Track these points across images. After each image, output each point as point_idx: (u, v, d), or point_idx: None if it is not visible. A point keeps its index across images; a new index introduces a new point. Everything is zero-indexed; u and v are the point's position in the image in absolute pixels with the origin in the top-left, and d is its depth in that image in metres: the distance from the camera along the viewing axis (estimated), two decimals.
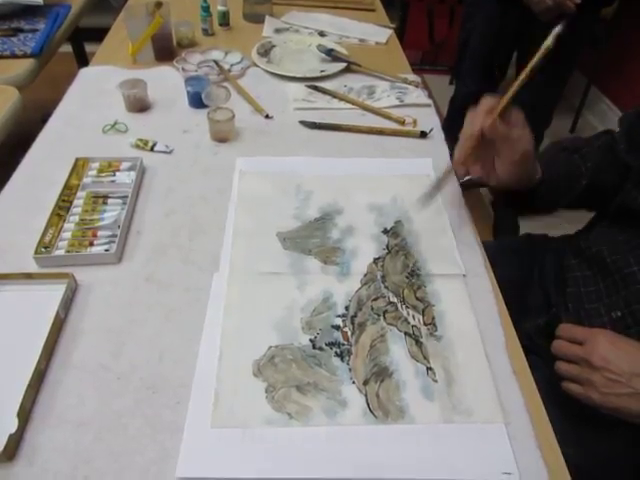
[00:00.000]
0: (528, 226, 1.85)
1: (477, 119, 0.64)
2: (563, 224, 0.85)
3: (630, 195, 0.69)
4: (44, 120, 0.90)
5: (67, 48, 1.76)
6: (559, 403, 0.59)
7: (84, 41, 1.94)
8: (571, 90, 2.16)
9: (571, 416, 0.64)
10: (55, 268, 0.63)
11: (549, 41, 0.61)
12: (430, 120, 0.95)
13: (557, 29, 0.60)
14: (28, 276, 0.61)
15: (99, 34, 1.21)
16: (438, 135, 0.92)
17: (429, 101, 1.00)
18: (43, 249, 0.64)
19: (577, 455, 0.52)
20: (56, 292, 0.59)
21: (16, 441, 0.48)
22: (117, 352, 0.56)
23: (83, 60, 1.93)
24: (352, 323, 0.60)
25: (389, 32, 1.28)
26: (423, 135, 0.90)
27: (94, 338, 0.57)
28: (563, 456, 0.50)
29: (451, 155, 0.88)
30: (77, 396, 0.52)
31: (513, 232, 1.78)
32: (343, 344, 0.58)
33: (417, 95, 1.01)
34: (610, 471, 0.66)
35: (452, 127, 2.08)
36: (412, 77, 1.07)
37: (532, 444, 0.50)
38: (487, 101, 0.66)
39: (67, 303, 0.60)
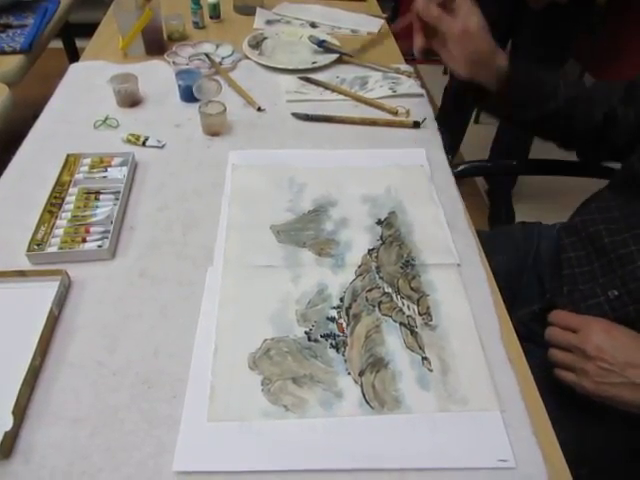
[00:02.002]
0: (523, 214, 1.86)
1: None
2: (558, 211, 0.85)
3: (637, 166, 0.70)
4: (35, 117, 0.90)
5: (58, 44, 1.75)
6: (554, 390, 0.59)
7: (74, 36, 1.92)
8: None
9: (566, 402, 0.64)
10: (48, 265, 0.63)
11: None
12: (423, 110, 0.95)
13: None
14: (21, 273, 0.61)
15: (89, 29, 1.20)
16: (431, 125, 0.91)
17: (422, 91, 1.00)
18: (36, 246, 0.64)
19: (573, 440, 0.53)
20: (49, 289, 0.58)
21: (12, 438, 0.47)
22: (112, 348, 0.56)
23: (74, 56, 1.91)
24: (347, 314, 0.60)
25: (381, 22, 1.27)
26: (416, 125, 0.90)
27: (89, 334, 0.57)
28: (558, 442, 0.51)
29: (445, 146, 0.88)
30: (73, 392, 0.52)
31: (508, 221, 1.78)
32: (338, 335, 0.58)
33: (410, 85, 1.01)
34: (606, 455, 0.67)
35: (446, 117, 2.08)
36: (405, 67, 1.07)
37: (527, 431, 0.51)
38: None
39: (61, 300, 0.59)
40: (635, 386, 0.54)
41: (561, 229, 0.81)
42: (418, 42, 0.76)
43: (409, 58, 1.11)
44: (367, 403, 0.52)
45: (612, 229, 0.70)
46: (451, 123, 1.88)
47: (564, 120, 0.77)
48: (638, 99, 0.74)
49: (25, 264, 0.63)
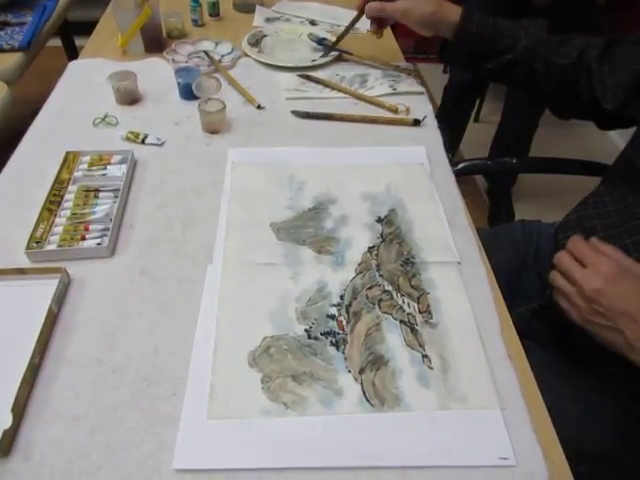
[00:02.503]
0: (523, 213, 1.85)
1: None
2: (558, 210, 0.85)
3: (633, 157, 0.69)
4: (34, 114, 0.89)
5: (57, 42, 1.74)
6: (554, 386, 0.59)
7: (73, 34, 1.91)
8: None
9: (566, 399, 0.64)
10: (47, 263, 0.63)
11: None
12: (423, 108, 0.94)
13: None
14: (20, 271, 0.61)
15: (88, 27, 1.20)
16: (431, 123, 0.91)
17: (422, 89, 1.00)
18: (35, 244, 0.64)
19: (573, 437, 0.53)
20: (49, 287, 0.58)
21: (11, 436, 0.47)
22: (111, 346, 0.56)
23: (73, 54, 1.91)
24: (347, 312, 0.60)
25: None
26: (416, 123, 0.90)
27: (88, 332, 0.57)
28: (558, 439, 0.50)
29: (445, 144, 0.87)
30: (72, 390, 0.52)
31: (508, 219, 1.78)
32: (338, 333, 0.58)
33: (410, 83, 1.01)
34: (606, 452, 0.67)
35: (446, 116, 2.08)
36: (405, 65, 1.07)
37: (528, 429, 0.51)
38: None
39: (60, 298, 0.59)
40: (619, 332, 0.54)
41: (558, 226, 0.81)
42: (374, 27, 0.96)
43: (409, 56, 1.11)
44: (367, 401, 0.52)
45: (607, 224, 0.70)
46: (451, 121, 1.87)
47: (525, 70, 0.80)
48: (614, 56, 0.74)
49: (24, 262, 0.63)
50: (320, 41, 1.10)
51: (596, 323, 0.56)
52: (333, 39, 1.12)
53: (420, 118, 0.90)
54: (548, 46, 0.79)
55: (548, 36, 0.80)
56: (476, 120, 2.32)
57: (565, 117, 0.85)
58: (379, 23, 0.95)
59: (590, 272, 0.57)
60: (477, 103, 2.14)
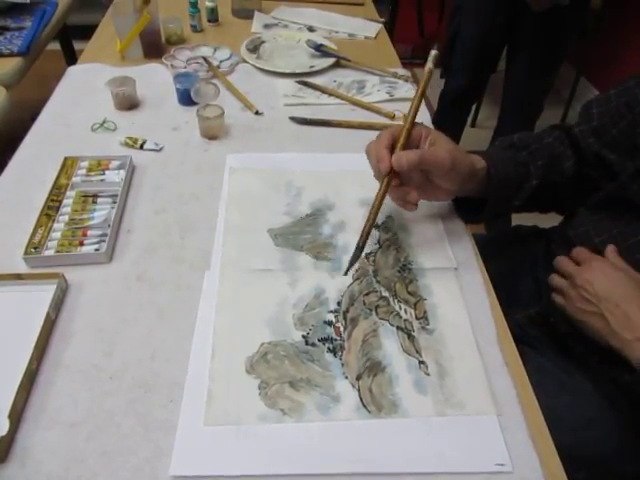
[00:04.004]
0: (519, 218, 1.86)
1: (382, 161, 0.62)
2: (554, 215, 0.85)
3: (624, 186, 0.69)
4: (33, 119, 0.90)
5: (55, 46, 1.75)
6: (551, 393, 0.60)
7: (72, 39, 1.92)
8: (561, 82, 2.17)
9: (563, 405, 0.64)
10: (45, 268, 0.63)
11: (429, 65, 0.64)
12: (420, 114, 0.93)
13: (433, 52, 0.64)
14: (18, 277, 0.61)
15: (87, 31, 1.20)
16: None
17: None
18: (33, 249, 0.64)
19: (569, 444, 0.53)
20: (46, 292, 0.58)
21: (7, 443, 0.47)
22: (109, 352, 0.56)
23: (72, 58, 1.91)
24: (344, 318, 0.60)
25: (378, 26, 1.27)
26: None
27: (85, 338, 0.57)
28: (555, 445, 0.51)
29: None
30: (69, 396, 0.52)
31: (505, 225, 1.79)
32: (336, 339, 0.58)
33: (407, 89, 1.01)
34: (603, 458, 0.67)
35: (443, 121, 2.08)
36: (402, 71, 1.07)
37: (524, 435, 0.51)
38: (385, 135, 0.64)
39: (58, 303, 0.59)
40: (601, 317, 0.59)
41: (552, 232, 0.81)
42: (413, 198, 0.64)
43: (407, 62, 1.11)
44: (364, 407, 0.52)
45: (599, 232, 0.70)
46: (448, 126, 1.88)
47: (547, 188, 0.73)
48: (590, 116, 0.73)
49: (22, 267, 0.63)
50: (318, 47, 1.11)
51: (585, 310, 0.61)
52: (331, 45, 1.13)
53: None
54: (551, 154, 0.73)
55: (540, 139, 0.75)
56: (473, 125, 2.33)
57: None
58: (402, 180, 0.65)
59: (583, 267, 0.64)
60: (474, 108, 2.15)
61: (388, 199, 0.66)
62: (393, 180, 0.63)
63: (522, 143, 0.75)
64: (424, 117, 0.94)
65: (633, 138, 0.67)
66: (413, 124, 0.64)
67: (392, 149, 0.63)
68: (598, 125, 0.72)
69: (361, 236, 0.64)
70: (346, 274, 0.65)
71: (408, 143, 0.64)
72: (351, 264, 0.65)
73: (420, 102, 0.65)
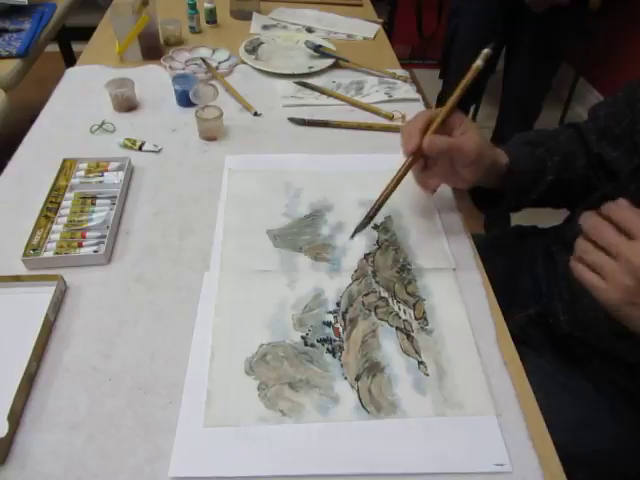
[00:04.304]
0: (519, 218, 1.86)
1: (412, 140, 0.63)
2: (553, 215, 0.85)
3: (622, 186, 0.68)
4: (32, 120, 0.90)
5: (54, 47, 1.75)
6: (550, 392, 0.60)
7: (71, 40, 1.92)
8: (560, 82, 2.17)
9: (563, 405, 0.64)
10: (44, 270, 0.63)
11: (479, 62, 0.64)
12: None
13: (486, 50, 0.64)
14: (17, 278, 0.61)
15: (86, 33, 1.20)
16: None
17: (417, 96, 1.00)
18: (31, 251, 0.64)
19: (569, 444, 0.53)
20: (45, 294, 0.58)
21: (7, 445, 0.47)
22: (108, 353, 0.56)
23: (70, 59, 1.91)
24: (343, 319, 0.60)
25: (377, 27, 1.27)
26: None
27: (84, 340, 0.57)
28: (555, 445, 0.51)
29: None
30: (68, 398, 0.52)
31: (504, 225, 1.79)
32: (335, 340, 0.58)
33: (406, 90, 1.01)
34: (602, 459, 0.67)
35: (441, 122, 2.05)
36: (400, 72, 1.07)
37: (523, 435, 0.51)
38: (422, 117, 0.65)
39: (57, 305, 0.59)
40: None
41: (551, 232, 0.81)
42: (434, 183, 0.68)
43: (405, 62, 1.11)
44: (363, 408, 0.52)
45: None
46: None
47: (562, 185, 0.74)
48: (597, 118, 0.73)
49: (21, 269, 0.63)
50: (317, 48, 1.11)
51: (634, 301, 0.46)
52: (330, 46, 1.13)
53: None
54: (565, 151, 0.74)
55: (555, 136, 0.76)
56: None
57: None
58: (427, 163, 0.67)
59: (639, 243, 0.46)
60: (472, 108, 2.16)
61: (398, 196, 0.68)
62: (418, 161, 0.65)
63: (539, 140, 0.76)
64: None
65: (632, 136, 0.68)
66: (450, 112, 0.65)
67: (425, 131, 0.64)
68: (604, 126, 0.72)
69: (373, 207, 0.65)
70: (352, 238, 0.67)
71: (442, 127, 0.65)
72: (358, 230, 0.66)
73: (462, 94, 0.65)
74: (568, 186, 0.75)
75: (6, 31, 1.31)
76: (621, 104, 0.71)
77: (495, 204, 0.75)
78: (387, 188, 0.65)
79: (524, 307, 0.78)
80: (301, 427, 0.50)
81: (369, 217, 0.66)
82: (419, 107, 0.98)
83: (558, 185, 0.73)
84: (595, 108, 0.76)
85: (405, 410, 0.52)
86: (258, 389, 0.53)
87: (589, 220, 0.49)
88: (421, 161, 0.66)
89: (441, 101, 1.88)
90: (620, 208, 0.48)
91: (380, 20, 1.33)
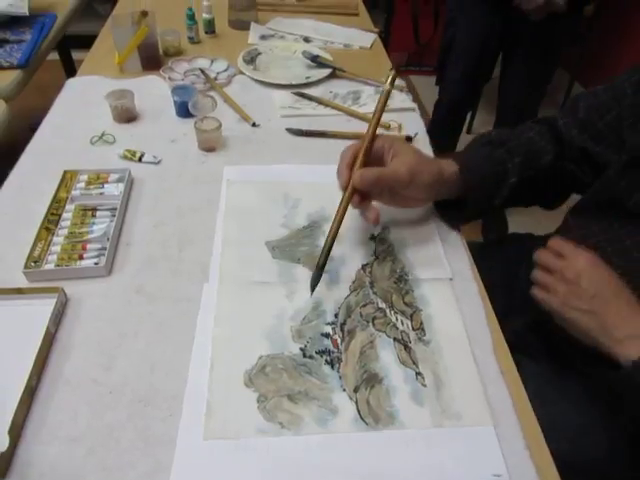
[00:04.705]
0: (516, 226, 1.87)
1: (341, 177, 0.66)
2: (550, 222, 0.86)
3: (611, 183, 0.68)
4: (32, 129, 0.90)
5: (54, 56, 1.76)
6: (546, 401, 0.60)
7: (71, 48, 1.93)
8: (555, 87, 2.18)
9: (559, 414, 0.65)
10: (45, 282, 0.63)
11: (387, 85, 0.67)
12: (415, 124, 0.96)
13: (392, 73, 0.67)
14: (18, 291, 0.62)
15: (86, 41, 1.21)
16: (423, 139, 0.92)
17: (414, 105, 1.01)
18: (32, 263, 0.64)
19: (566, 452, 0.53)
20: (46, 306, 0.59)
21: (8, 458, 0.48)
22: (108, 366, 0.56)
23: (70, 68, 1.92)
24: (342, 330, 0.61)
25: (373, 37, 1.29)
26: (408, 140, 0.91)
27: (85, 352, 0.57)
28: (551, 454, 0.51)
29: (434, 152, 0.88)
30: (69, 411, 0.52)
31: (501, 233, 1.80)
32: (333, 352, 0.58)
33: (402, 99, 1.02)
34: (599, 467, 0.67)
35: (438, 130, 2.09)
36: (397, 81, 1.08)
37: (520, 445, 0.51)
38: (347, 152, 0.67)
39: (57, 317, 0.60)
40: (594, 316, 0.57)
41: (547, 239, 0.82)
42: (373, 215, 0.66)
43: (402, 69, 1.12)
44: (362, 419, 0.53)
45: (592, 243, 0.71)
46: (443, 133, 1.89)
47: (526, 184, 0.73)
48: (576, 109, 0.73)
49: (22, 281, 0.64)
50: (314, 58, 1.12)
51: (574, 307, 0.58)
52: (327, 56, 1.14)
53: (412, 135, 0.91)
54: (530, 149, 0.74)
55: (517, 136, 0.75)
56: (469, 132, 2.34)
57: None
58: (365, 195, 0.67)
59: (570, 260, 0.60)
60: (469, 115, 2.17)
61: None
62: (353, 196, 0.65)
63: (499, 140, 0.75)
64: (419, 126, 0.95)
65: (620, 131, 0.67)
66: (372, 141, 0.66)
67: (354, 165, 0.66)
68: (584, 118, 0.72)
69: (321, 255, 0.63)
70: (311, 295, 0.62)
71: (372, 157, 0.66)
72: (313, 285, 0.62)
73: (378, 121, 0.67)
74: (533, 184, 0.74)
75: (7, 42, 1.31)
76: (605, 96, 0.70)
77: (460, 213, 0.73)
78: (330, 231, 0.64)
79: (522, 315, 0.78)
80: (300, 439, 0.51)
81: (320, 267, 0.62)
82: (415, 117, 0.99)
83: (523, 185, 0.73)
84: (574, 99, 0.75)
85: (403, 421, 0.53)
86: (257, 401, 0.53)
87: (539, 253, 0.64)
88: (356, 196, 0.65)
89: (438, 112, 1.89)
90: (554, 239, 0.63)
91: (376, 30, 1.34)
